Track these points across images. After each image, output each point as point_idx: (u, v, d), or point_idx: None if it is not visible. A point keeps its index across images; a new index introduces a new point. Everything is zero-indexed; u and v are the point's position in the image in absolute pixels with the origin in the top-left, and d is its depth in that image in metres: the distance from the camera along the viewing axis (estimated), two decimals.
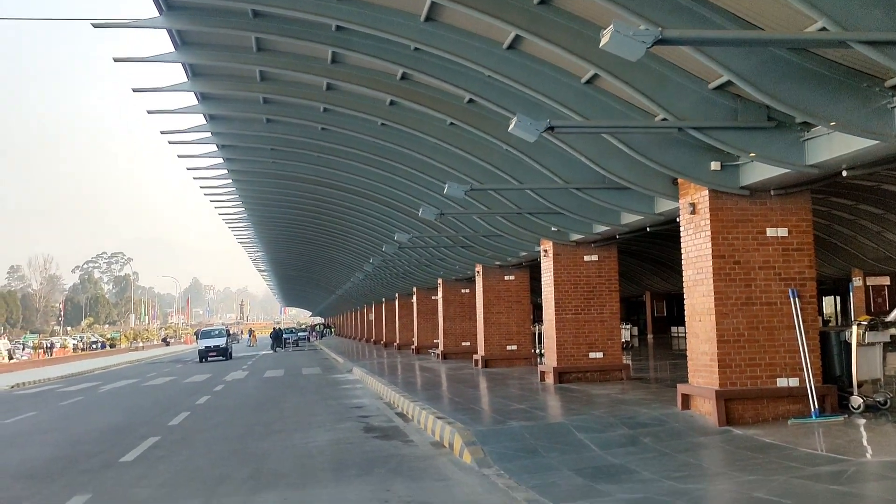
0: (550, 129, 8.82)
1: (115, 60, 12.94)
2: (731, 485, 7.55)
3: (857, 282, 27.81)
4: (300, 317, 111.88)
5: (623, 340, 35.90)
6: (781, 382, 10.63)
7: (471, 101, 12.13)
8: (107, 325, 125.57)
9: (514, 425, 11.26)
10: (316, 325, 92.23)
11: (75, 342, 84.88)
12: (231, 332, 63.86)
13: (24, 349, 72.47)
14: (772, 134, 9.18)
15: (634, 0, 7.39)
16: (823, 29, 6.48)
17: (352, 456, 10.63)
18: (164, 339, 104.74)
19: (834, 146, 8.69)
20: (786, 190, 10.52)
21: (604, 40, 5.95)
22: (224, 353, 46.98)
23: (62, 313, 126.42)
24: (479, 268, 23.96)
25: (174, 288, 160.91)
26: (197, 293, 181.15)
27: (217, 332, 50.61)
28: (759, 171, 10.02)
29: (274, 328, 68.75)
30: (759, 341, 10.63)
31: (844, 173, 9.28)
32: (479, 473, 8.94)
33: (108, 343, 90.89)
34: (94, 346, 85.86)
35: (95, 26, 11.24)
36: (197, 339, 54.51)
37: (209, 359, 46.04)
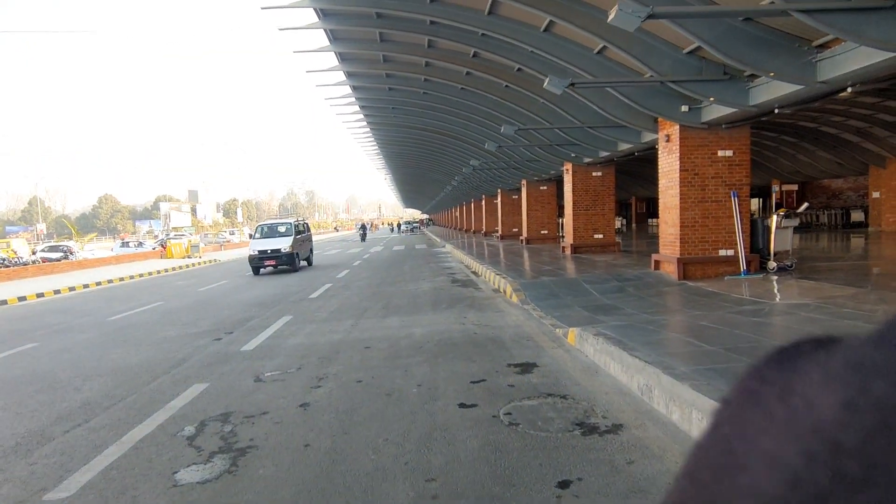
0: (572, 84, 8.21)
1: (263, 8, 9.66)
2: (685, 317, 7.31)
3: (776, 188, 26.04)
4: (415, 214, 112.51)
5: (616, 227, 35.15)
6: (722, 252, 10.07)
7: (519, 69, 11.41)
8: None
9: (544, 279, 11.16)
10: (423, 219, 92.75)
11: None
12: (364, 225, 44.54)
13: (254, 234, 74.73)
14: (727, 84, 8.29)
15: None
16: (772, 2, 5.65)
17: (442, 296, 10.81)
18: (335, 228, 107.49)
19: (771, 91, 7.79)
20: (733, 124, 9.61)
21: (611, 16, 5.37)
22: (289, 260, 18.06)
23: (278, 213, 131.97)
24: (523, 182, 23.35)
25: (340, 199, 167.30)
26: (353, 201, 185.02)
27: (281, 229, 19.22)
28: (715, 111, 9.14)
29: (361, 223, 52.72)
30: (709, 226, 10.03)
31: (776, 111, 8.35)
32: (521, 308, 8.94)
33: None
34: None
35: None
36: (251, 238, 19.82)
37: (262, 271, 18.30)
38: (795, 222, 10.25)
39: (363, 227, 41.63)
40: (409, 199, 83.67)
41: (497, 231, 30.59)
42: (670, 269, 10.38)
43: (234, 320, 9.39)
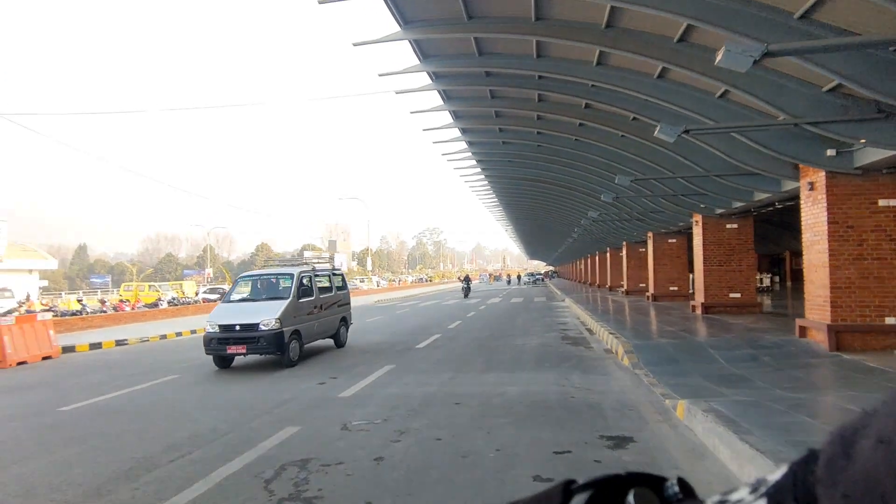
0: (686, 132, 7.65)
1: (355, 45, 8.47)
2: (831, 396, 6.14)
3: None
4: (540, 266, 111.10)
5: (764, 285, 31.27)
6: (890, 321, 8.41)
7: (634, 118, 10.96)
8: (429, 269, 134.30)
9: (662, 341, 10.18)
10: (547, 271, 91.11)
11: (412, 279, 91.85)
12: (468, 277, 38.04)
13: (381, 282, 79.40)
14: (882, 123, 7.13)
15: (751, 27, 6.05)
16: None
17: (548, 354, 10.32)
18: (458, 278, 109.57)
19: None
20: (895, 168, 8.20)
21: (718, 57, 4.94)
22: (272, 343, 9.16)
23: (406, 262, 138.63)
24: (649, 234, 21.97)
25: (467, 248, 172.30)
26: (479, 251, 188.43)
27: (273, 286, 10.34)
28: (871, 154, 7.89)
29: (465, 275, 43.07)
30: (870, 288, 8.48)
31: None
32: (631, 372, 8.20)
33: (427, 278, 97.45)
34: (421, 280, 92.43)
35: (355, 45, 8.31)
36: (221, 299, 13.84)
37: (226, 358, 9.66)
38: None
39: (467, 280, 36.76)
40: (532, 250, 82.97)
41: (622, 286, 28.90)
42: (819, 338, 8.88)
43: (341, 366, 9.80)
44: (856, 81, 6.03)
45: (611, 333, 11.27)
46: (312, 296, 10.66)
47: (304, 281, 10.56)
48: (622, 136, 12.15)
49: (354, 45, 8.58)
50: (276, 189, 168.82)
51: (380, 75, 9.94)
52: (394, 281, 79.38)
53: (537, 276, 67.58)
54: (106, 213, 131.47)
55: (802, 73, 7.08)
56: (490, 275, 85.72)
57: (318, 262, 14.29)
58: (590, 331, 13.89)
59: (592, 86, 9.92)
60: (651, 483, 0.36)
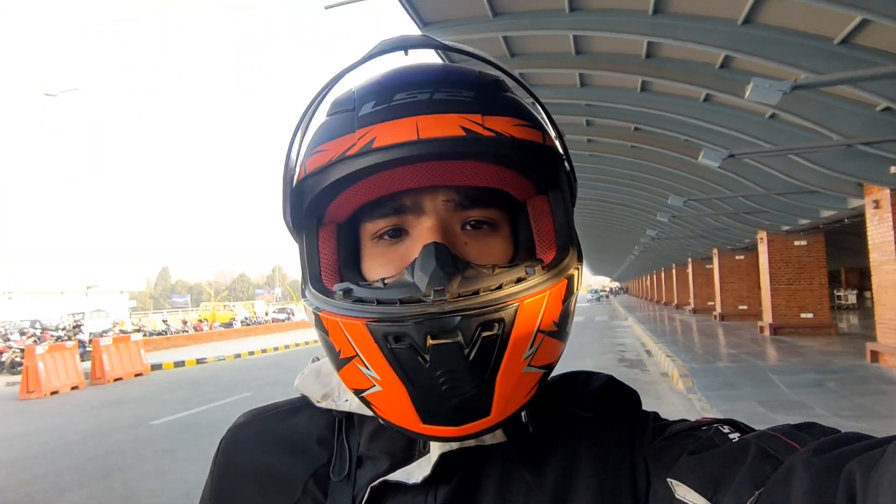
0: (731, 156, 7.69)
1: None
2: (890, 425, 5.95)
3: None
4: (604, 282, 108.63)
5: (849, 303, 29.14)
6: None
7: (686, 140, 10.95)
8: None
9: (721, 365, 10.01)
10: (612, 288, 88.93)
11: None
12: None
13: None
14: None
15: (789, 54, 6.13)
16: None
17: None
18: None
19: None
20: None
21: (747, 93, 5.12)
22: None
23: None
24: (714, 251, 21.28)
25: None
26: None
27: None
28: None
29: None
30: None
31: None
32: (685, 397, 8.18)
33: None
34: None
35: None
36: None
37: None
38: None
39: None
40: (595, 266, 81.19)
41: (689, 304, 27.91)
42: (891, 363, 8.48)
43: None
44: None
45: (668, 356, 11.17)
46: None
47: None
48: (675, 156, 12.13)
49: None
50: None
51: None
52: None
53: (601, 293, 66.00)
54: (183, 237, 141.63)
55: (853, 94, 6.99)
56: None
57: None
58: (649, 353, 13.72)
59: (639, 111, 10.07)
60: None
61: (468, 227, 0.51)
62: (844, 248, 21.36)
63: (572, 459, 0.51)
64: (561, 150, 0.52)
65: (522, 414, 0.51)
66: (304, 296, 0.52)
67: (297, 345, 20.99)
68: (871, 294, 29.82)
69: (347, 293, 0.48)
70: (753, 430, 0.48)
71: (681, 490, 0.44)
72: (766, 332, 14.62)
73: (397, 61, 0.55)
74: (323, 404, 0.57)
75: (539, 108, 0.54)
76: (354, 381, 0.48)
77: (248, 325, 29.26)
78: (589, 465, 0.50)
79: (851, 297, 28.79)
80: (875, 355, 9.08)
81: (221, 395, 10.24)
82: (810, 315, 14.30)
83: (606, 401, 0.55)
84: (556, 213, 0.52)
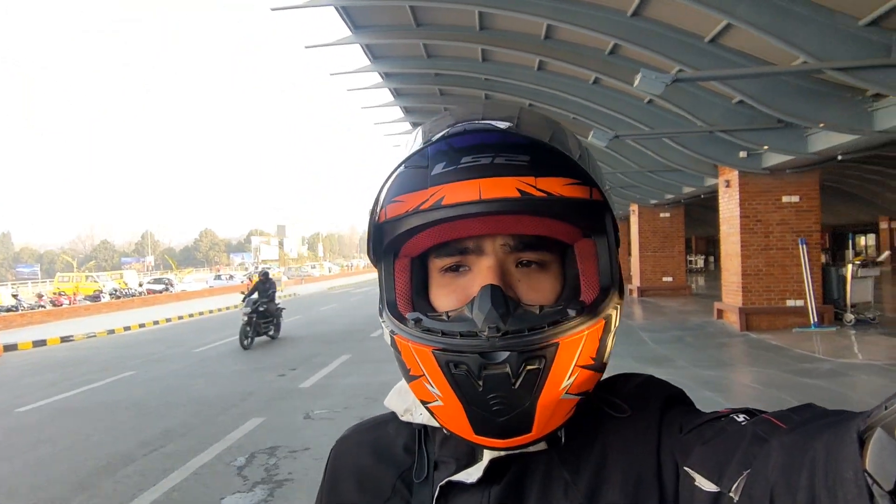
0: (617, 137, 8.48)
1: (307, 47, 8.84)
2: (739, 374, 7.17)
3: (883, 224, 23.86)
4: None
5: (698, 266, 33.47)
6: (790, 303, 9.67)
7: (574, 118, 11.75)
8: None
9: None
10: None
11: (364, 263, 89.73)
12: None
13: (333, 268, 77.67)
14: (782, 132, 8.21)
15: (668, 48, 6.85)
16: (804, 62, 5.73)
17: None
18: None
19: (831, 139, 7.65)
20: (798, 169, 9.37)
21: (636, 82, 5.69)
22: None
23: (358, 247, 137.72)
24: None
25: None
26: None
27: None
28: (775, 157, 9.00)
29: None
30: (774, 275, 9.70)
31: (839, 157, 8.12)
32: None
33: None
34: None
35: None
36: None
37: None
38: (875, 272, 9.64)
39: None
40: None
41: None
42: (732, 319, 10.07)
43: (300, 357, 10.25)
44: (756, 99, 6.96)
45: None
46: None
47: None
48: None
49: (307, 47, 8.92)
50: (224, 175, 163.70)
51: (331, 74, 10.27)
52: (346, 266, 77.41)
53: None
54: (32, 199, 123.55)
55: (715, 87, 8.00)
56: None
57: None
58: None
59: (535, 88, 10.61)
60: None
61: (521, 266, 0.58)
62: (695, 218, 24.40)
63: (603, 455, 0.55)
64: (606, 200, 0.57)
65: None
66: (381, 316, 0.63)
67: (180, 318, 19.60)
68: (718, 260, 34.17)
69: (418, 322, 0.56)
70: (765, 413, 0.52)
71: (697, 478, 0.48)
72: (635, 294, 16.46)
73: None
74: (405, 418, 0.67)
75: (588, 156, 0.60)
76: (422, 394, 0.57)
77: (119, 297, 26.64)
78: (617, 458, 0.54)
79: (700, 262, 33.05)
80: (720, 313, 10.73)
81: (100, 375, 9.42)
82: (670, 279, 16.35)
83: (639, 397, 0.59)
84: (600, 256, 0.58)
